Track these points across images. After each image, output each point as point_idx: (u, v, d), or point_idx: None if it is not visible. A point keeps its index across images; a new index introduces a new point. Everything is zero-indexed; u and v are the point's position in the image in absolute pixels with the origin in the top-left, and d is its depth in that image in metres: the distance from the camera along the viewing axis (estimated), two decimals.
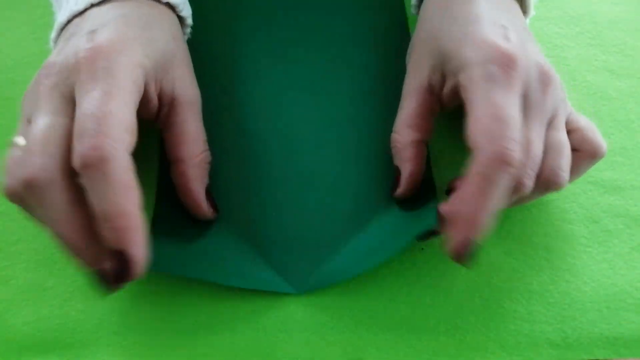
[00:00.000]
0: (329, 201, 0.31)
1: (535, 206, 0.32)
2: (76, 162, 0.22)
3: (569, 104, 0.29)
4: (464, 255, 0.24)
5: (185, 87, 0.29)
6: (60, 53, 0.26)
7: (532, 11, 0.32)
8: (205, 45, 0.35)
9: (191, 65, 0.31)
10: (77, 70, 0.25)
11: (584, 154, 0.28)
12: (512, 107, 0.24)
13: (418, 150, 0.30)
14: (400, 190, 0.30)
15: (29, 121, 0.25)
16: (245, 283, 0.29)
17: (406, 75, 0.31)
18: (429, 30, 0.30)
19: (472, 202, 0.24)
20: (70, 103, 0.25)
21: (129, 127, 0.24)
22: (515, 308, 0.30)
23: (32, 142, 0.23)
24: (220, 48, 0.36)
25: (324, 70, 0.35)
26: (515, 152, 0.23)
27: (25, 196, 0.23)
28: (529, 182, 0.25)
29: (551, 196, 0.33)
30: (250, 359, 0.28)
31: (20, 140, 0.24)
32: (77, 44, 0.26)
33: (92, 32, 0.26)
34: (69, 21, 0.29)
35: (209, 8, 0.37)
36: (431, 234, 0.28)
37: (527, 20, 0.32)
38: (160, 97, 0.28)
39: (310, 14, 0.37)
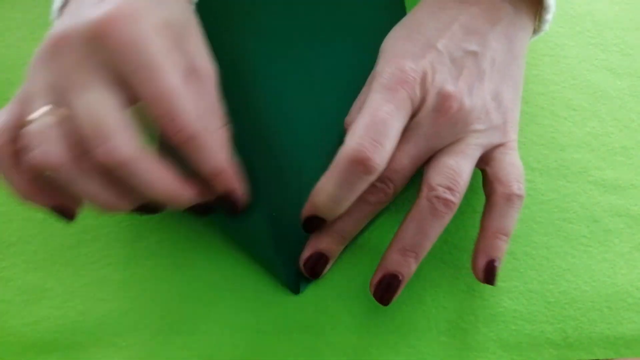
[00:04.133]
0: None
1: (535, 205, 0.32)
2: (178, 137, 0.25)
3: (492, 140, 0.28)
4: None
5: (204, 58, 0.28)
6: (72, 20, 0.25)
7: (545, 27, 0.32)
8: (205, 24, 0.34)
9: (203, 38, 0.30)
10: (106, 38, 0.24)
11: (495, 194, 0.28)
12: (385, 113, 0.26)
13: None
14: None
15: (62, 94, 0.24)
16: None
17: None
18: (394, 28, 0.31)
19: (320, 184, 0.27)
20: (111, 72, 0.24)
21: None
22: (516, 308, 0.30)
23: (105, 121, 0.23)
24: (221, 28, 0.36)
25: (323, 64, 0.35)
26: (369, 152, 0.25)
27: (111, 171, 0.24)
28: (383, 189, 0.27)
29: (551, 195, 0.33)
30: (249, 359, 0.28)
31: (61, 111, 0.24)
32: (90, 12, 0.24)
33: (102, 1, 0.25)
34: None
35: None
36: None
37: (532, 36, 0.32)
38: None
39: (311, 5, 0.37)
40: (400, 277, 0.27)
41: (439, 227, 0.27)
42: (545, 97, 0.36)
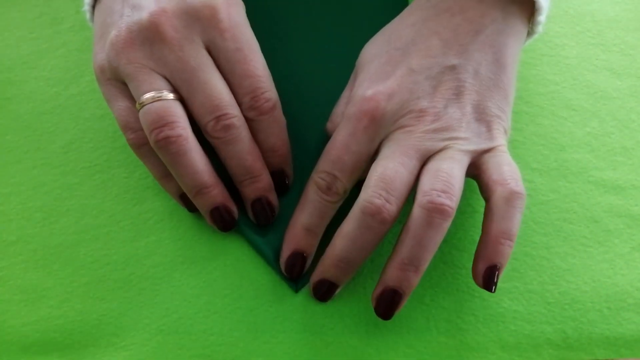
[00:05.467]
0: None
1: (535, 205, 0.32)
2: (253, 112, 0.29)
3: (477, 146, 0.28)
4: None
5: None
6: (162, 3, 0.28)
7: (539, 29, 0.31)
8: None
9: None
10: (214, 20, 0.28)
11: (494, 195, 0.27)
12: (347, 137, 0.28)
13: None
14: None
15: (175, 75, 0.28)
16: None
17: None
18: (375, 38, 0.32)
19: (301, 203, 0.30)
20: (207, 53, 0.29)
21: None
22: (516, 308, 0.30)
23: (217, 98, 0.28)
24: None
25: (321, 59, 0.35)
26: (326, 177, 0.28)
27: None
28: (379, 202, 0.26)
29: (551, 195, 0.33)
30: (249, 359, 0.28)
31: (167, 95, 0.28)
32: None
33: None
34: None
35: None
36: None
37: (524, 41, 0.31)
38: None
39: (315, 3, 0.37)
40: (401, 292, 0.26)
41: (437, 237, 0.26)
42: (545, 97, 0.36)
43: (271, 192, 0.30)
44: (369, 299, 0.30)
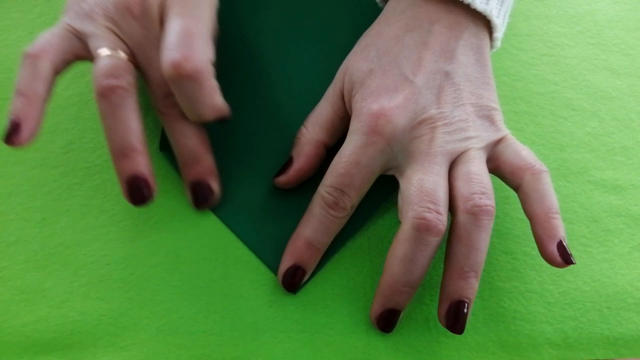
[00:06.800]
0: None
1: None
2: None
3: (489, 139, 0.29)
4: None
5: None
6: None
7: (497, 44, 0.32)
8: None
9: None
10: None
11: (523, 179, 0.28)
12: (356, 151, 0.28)
13: (318, 150, 0.31)
14: (283, 178, 0.31)
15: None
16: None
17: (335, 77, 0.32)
18: (357, 49, 0.32)
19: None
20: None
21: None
22: (516, 308, 0.30)
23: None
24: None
25: (315, 57, 0.35)
26: (334, 192, 0.28)
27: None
28: (431, 216, 0.26)
29: None
30: (249, 359, 0.28)
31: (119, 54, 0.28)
32: None
33: None
34: None
35: None
36: None
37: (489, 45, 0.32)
38: None
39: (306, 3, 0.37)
40: (467, 301, 0.26)
41: (488, 238, 0.27)
42: (545, 97, 0.36)
43: (212, 175, 0.30)
44: (369, 299, 0.30)
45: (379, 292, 0.28)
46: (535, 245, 0.31)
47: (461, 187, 0.27)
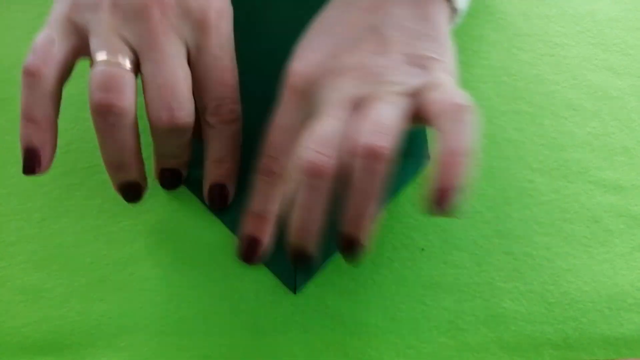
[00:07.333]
0: None
1: (536, 206, 0.32)
2: (214, 118, 0.30)
3: (413, 82, 0.26)
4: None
5: None
6: None
7: (458, 10, 0.30)
8: None
9: None
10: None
11: (437, 118, 0.25)
12: (277, 115, 0.28)
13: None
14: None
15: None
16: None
17: None
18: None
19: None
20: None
21: None
22: (516, 309, 0.30)
23: (175, 89, 0.28)
24: None
25: None
26: (266, 160, 0.28)
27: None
28: (315, 157, 0.25)
29: (552, 195, 0.33)
30: (249, 359, 0.28)
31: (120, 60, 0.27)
32: None
33: None
34: None
35: None
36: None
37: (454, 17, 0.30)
38: None
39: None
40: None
41: (374, 182, 0.24)
42: (546, 97, 0.36)
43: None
44: (370, 299, 0.29)
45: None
46: (535, 245, 0.31)
47: (352, 127, 0.25)
